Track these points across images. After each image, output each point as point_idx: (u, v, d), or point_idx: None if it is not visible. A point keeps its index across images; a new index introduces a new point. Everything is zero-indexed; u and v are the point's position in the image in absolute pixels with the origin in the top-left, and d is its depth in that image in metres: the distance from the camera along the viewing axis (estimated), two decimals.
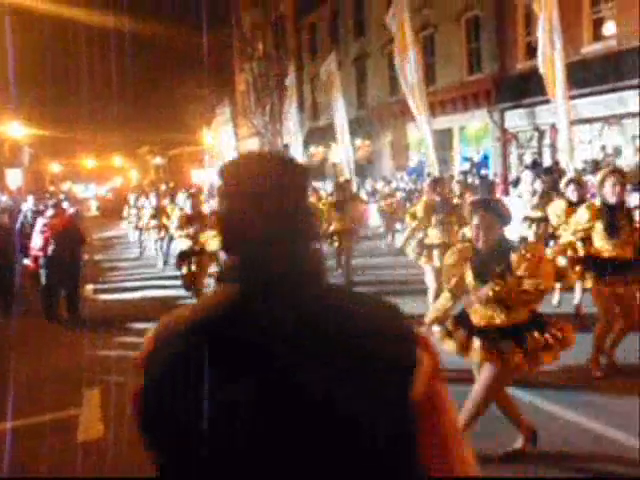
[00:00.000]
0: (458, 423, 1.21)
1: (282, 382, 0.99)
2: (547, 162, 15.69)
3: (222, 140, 31.14)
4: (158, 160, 52.48)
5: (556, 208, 5.93)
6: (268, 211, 1.05)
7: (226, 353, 1.01)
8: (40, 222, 6.75)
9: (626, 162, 13.62)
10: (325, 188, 17.30)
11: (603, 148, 15.04)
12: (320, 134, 26.76)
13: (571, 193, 6.00)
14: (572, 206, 5.65)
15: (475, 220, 3.18)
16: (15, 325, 6.64)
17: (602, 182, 4.84)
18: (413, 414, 1.03)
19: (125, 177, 53.02)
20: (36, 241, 6.69)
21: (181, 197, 11.97)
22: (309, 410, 0.98)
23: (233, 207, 1.08)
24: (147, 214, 12.42)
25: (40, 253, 6.57)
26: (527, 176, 13.35)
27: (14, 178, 23.02)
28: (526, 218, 7.76)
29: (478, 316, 3.31)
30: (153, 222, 11.90)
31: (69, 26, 33.69)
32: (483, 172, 16.29)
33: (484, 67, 18.62)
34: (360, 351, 1.01)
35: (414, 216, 6.35)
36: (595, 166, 13.01)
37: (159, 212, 11.73)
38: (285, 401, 0.98)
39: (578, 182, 6.24)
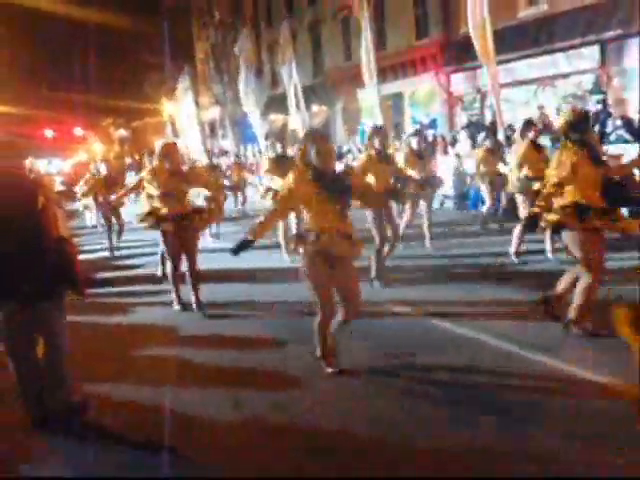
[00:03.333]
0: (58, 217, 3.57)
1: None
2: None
3: (183, 110, 31.24)
4: (122, 132, 52.04)
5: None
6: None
7: None
8: None
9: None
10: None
11: (540, 108, 15.87)
12: (280, 101, 27.08)
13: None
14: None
15: None
16: None
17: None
18: (41, 213, 3.46)
19: (89, 151, 52.40)
20: None
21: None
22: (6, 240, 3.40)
23: None
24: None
25: None
26: (462, 135, 14.24)
27: None
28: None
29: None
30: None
31: (24, 3, 32.97)
32: (427, 133, 17.06)
33: (431, 32, 19.22)
34: (23, 198, 3.47)
35: None
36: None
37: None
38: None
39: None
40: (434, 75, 19.01)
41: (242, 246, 3.94)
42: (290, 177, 4.02)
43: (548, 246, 7.06)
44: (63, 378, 3.61)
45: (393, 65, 20.28)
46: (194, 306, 6.07)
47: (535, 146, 6.75)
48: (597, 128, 11.38)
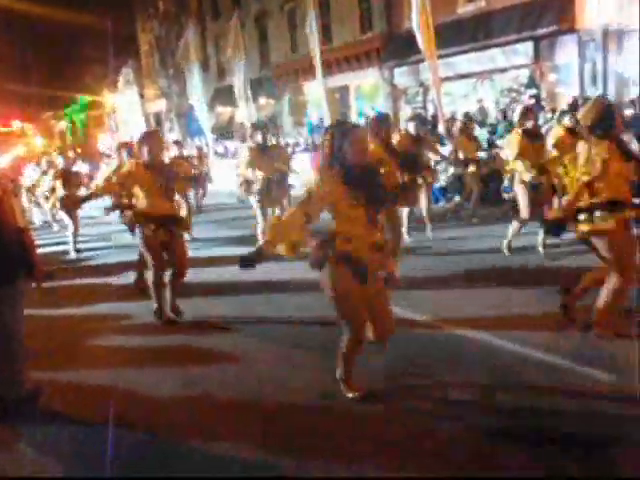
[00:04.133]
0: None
1: None
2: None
3: (127, 102, 30.70)
4: (63, 125, 50.60)
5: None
6: None
7: None
8: None
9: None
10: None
11: (479, 101, 16.49)
12: (227, 93, 27.00)
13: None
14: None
15: None
16: None
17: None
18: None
19: (28, 145, 50.72)
20: None
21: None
22: None
23: None
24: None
25: None
26: (410, 127, 14.64)
27: None
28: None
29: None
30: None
31: None
32: None
33: (375, 26, 19.60)
34: None
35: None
36: (467, 118, 14.42)
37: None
38: None
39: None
40: (378, 69, 19.42)
41: (255, 258, 3.24)
42: (319, 177, 3.41)
43: (540, 240, 6.59)
44: (18, 366, 3.69)
45: (339, 58, 20.56)
46: (169, 314, 5.43)
47: (528, 135, 6.42)
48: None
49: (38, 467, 3.21)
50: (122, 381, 4.13)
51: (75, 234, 9.58)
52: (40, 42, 39.95)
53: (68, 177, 9.62)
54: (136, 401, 3.83)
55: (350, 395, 3.58)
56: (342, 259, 3.27)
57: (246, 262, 3.24)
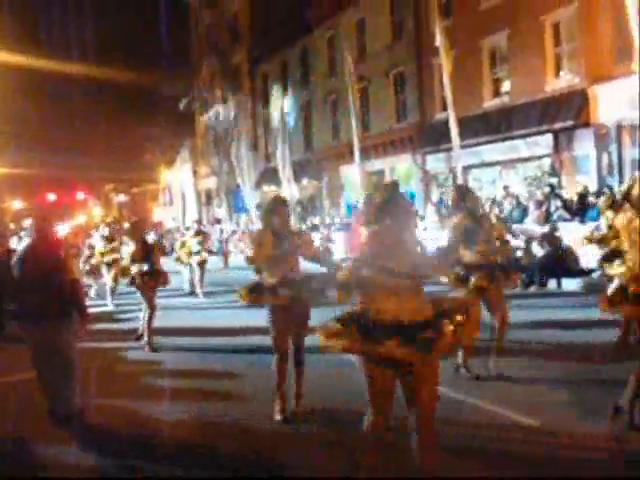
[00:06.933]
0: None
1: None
2: None
3: (181, 179, 33.15)
4: (122, 197, 54.10)
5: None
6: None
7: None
8: None
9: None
10: None
11: (505, 187, 17.44)
12: (273, 174, 28.90)
13: None
14: None
15: None
16: None
17: None
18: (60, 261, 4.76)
19: (89, 215, 54.21)
20: None
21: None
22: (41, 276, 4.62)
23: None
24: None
25: None
26: (430, 211, 15.72)
27: None
28: None
29: None
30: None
31: (32, 71, 35.25)
32: None
33: (409, 116, 21.16)
34: (49, 265, 4.64)
35: None
36: (492, 202, 15.40)
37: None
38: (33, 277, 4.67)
39: None
40: (411, 155, 20.79)
41: None
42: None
43: None
44: (72, 387, 4.67)
45: (376, 145, 22.09)
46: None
47: None
48: (544, 208, 12.84)
49: (77, 463, 4.13)
50: (144, 409, 5.07)
51: (153, 314, 7.62)
52: (104, 121, 43.64)
53: (152, 249, 7.91)
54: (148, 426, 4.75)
55: None
56: None
57: None
